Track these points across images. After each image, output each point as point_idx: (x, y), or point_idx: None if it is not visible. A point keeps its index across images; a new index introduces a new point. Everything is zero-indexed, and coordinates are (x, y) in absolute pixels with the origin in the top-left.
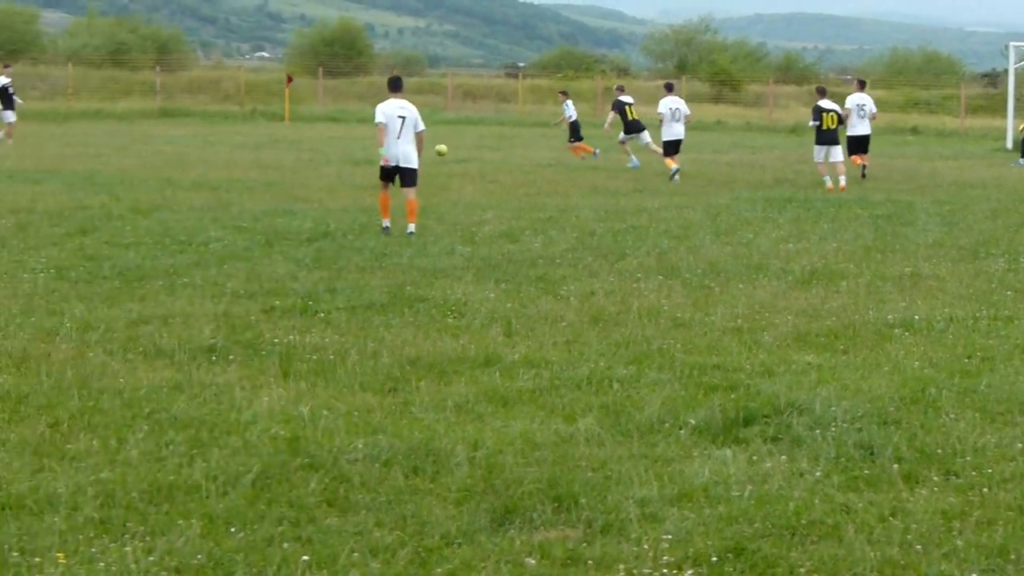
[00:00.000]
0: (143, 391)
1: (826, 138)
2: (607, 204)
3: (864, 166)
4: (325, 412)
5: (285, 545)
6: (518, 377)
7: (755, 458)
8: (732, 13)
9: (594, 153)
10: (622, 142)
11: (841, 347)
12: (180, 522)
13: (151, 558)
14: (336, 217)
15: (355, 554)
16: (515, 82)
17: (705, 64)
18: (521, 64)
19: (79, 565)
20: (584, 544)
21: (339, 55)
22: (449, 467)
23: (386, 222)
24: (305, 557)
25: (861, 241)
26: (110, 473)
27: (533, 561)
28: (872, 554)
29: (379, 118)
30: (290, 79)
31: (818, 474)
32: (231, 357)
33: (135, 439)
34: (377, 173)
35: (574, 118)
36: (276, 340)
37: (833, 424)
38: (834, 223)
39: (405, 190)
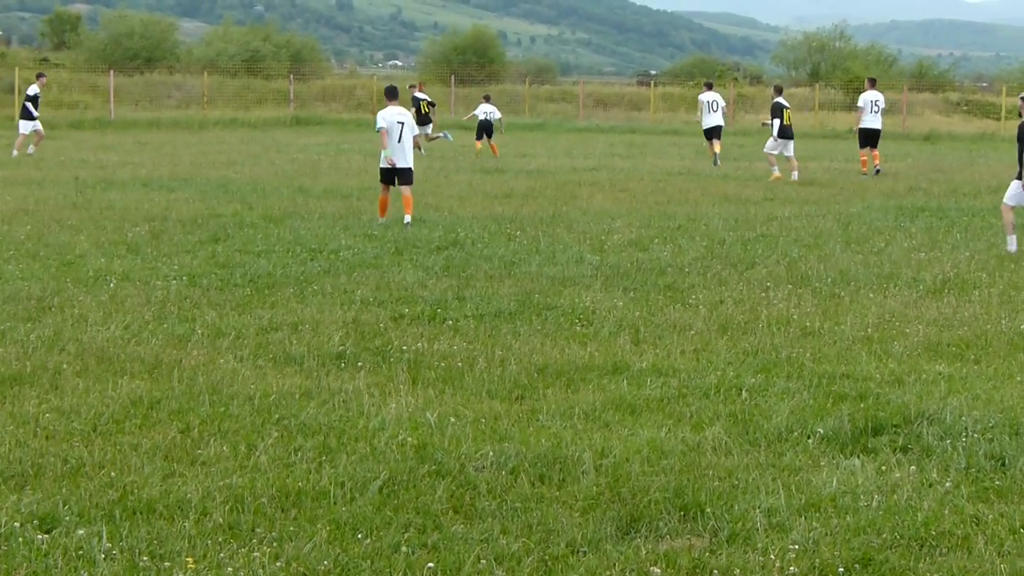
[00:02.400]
0: (273, 397)
1: (786, 133)
2: (737, 213)
3: (878, 167)
4: (452, 419)
5: (411, 552)
6: (646, 385)
7: (884, 468)
8: (867, 19)
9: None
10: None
11: (973, 357)
12: (308, 528)
13: (278, 563)
14: (466, 225)
15: (481, 562)
16: (647, 90)
17: (839, 71)
18: (653, 72)
19: (208, 570)
20: (710, 553)
21: (471, 63)
22: (576, 475)
23: (383, 220)
24: (431, 564)
25: (994, 251)
26: (239, 479)
27: (659, 570)
28: (1002, 566)
29: (381, 124)
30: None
31: (948, 485)
32: (360, 364)
33: (264, 445)
34: (378, 176)
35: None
36: (405, 347)
37: (964, 434)
38: (967, 232)
39: (402, 188)
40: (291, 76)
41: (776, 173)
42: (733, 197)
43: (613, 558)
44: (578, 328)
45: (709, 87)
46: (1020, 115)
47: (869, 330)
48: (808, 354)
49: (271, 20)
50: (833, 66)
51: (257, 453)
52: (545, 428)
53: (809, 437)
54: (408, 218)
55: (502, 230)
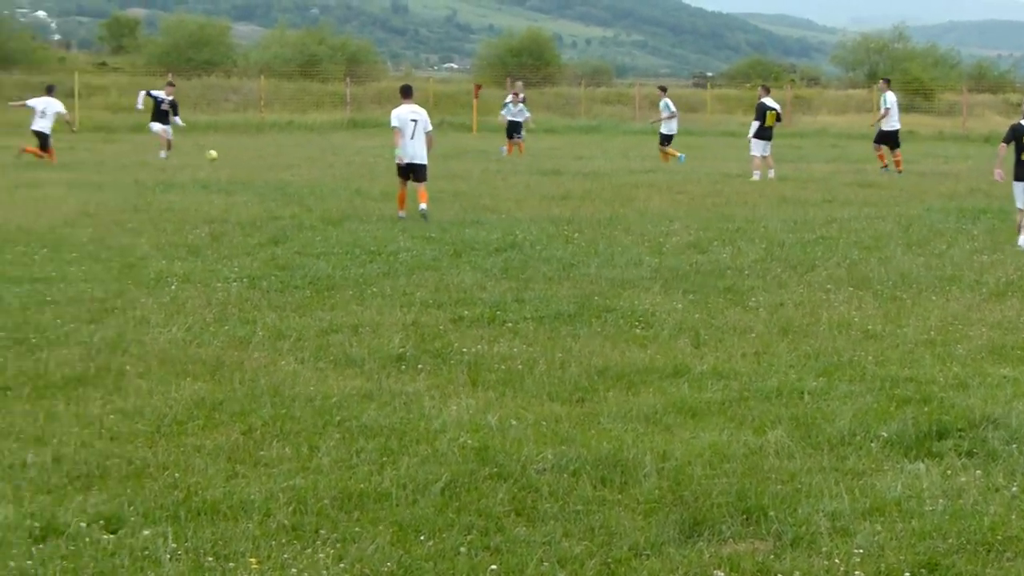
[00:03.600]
0: (334, 399)
1: (767, 134)
2: (796, 214)
3: (897, 167)
4: (513, 422)
5: (473, 554)
6: (706, 388)
7: (949, 472)
8: (925, 20)
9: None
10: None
11: None
12: (370, 529)
13: (342, 564)
14: (524, 227)
15: (543, 564)
16: (703, 92)
17: (897, 73)
18: (709, 74)
19: (272, 570)
20: (773, 557)
21: (527, 65)
22: (637, 478)
23: (402, 213)
24: (493, 567)
25: None
26: (302, 480)
27: (722, 574)
28: None
29: (394, 122)
30: (479, 89)
31: (1015, 489)
32: (420, 366)
33: (326, 447)
34: (395, 172)
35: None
36: (465, 349)
37: None
38: None
39: (417, 184)
40: (347, 79)
41: (758, 176)
42: (791, 199)
43: (676, 561)
44: (638, 331)
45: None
46: None
47: (932, 333)
48: (870, 357)
49: (326, 23)
50: (891, 67)
51: (319, 455)
52: (606, 431)
53: (872, 441)
54: (423, 206)
55: (560, 232)
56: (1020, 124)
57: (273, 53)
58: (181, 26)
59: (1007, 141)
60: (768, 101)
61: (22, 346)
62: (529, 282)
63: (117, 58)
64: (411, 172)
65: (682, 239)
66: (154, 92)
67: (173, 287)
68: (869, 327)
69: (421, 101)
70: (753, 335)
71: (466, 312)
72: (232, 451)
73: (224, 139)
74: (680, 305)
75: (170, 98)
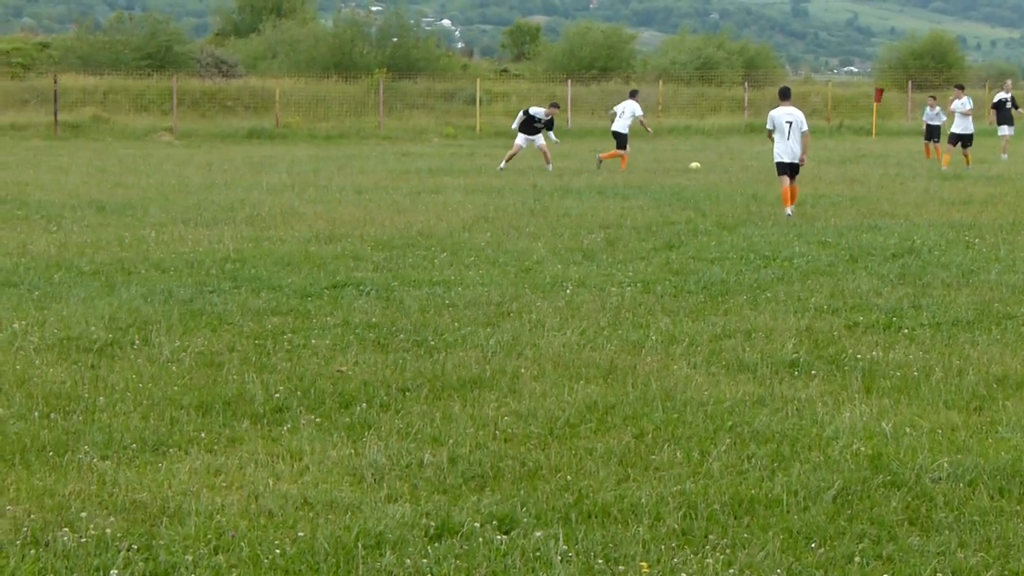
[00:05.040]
0: (726, 404)
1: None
2: None
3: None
4: (908, 429)
5: (865, 563)
6: None
7: None
8: None
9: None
10: None
11: None
12: (760, 536)
13: (731, 570)
14: (922, 232)
15: (937, 575)
16: None
17: None
18: None
19: (661, 575)
20: None
21: (929, 68)
22: None
23: (788, 210)
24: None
25: None
26: (692, 485)
27: None
28: None
29: (769, 124)
30: (880, 93)
31: None
32: (813, 372)
33: (717, 452)
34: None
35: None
36: (859, 356)
37: None
38: None
39: (792, 182)
40: (745, 83)
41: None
42: None
43: None
44: None
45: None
46: None
47: None
48: None
49: (726, 28)
50: None
51: (710, 460)
52: (1005, 440)
53: None
54: (789, 210)
55: (960, 237)
56: None
57: (671, 58)
58: (584, 32)
59: None
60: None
61: (421, 348)
62: (927, 288)
63: (518, 65)
64: (789, 171)
65: None
66: (532, 110)
67: (568, 291)
68: None
69: (820, 105)
70: None
71: (861, 318)
72: (623, 455)
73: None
74: None
75: (549, 118)
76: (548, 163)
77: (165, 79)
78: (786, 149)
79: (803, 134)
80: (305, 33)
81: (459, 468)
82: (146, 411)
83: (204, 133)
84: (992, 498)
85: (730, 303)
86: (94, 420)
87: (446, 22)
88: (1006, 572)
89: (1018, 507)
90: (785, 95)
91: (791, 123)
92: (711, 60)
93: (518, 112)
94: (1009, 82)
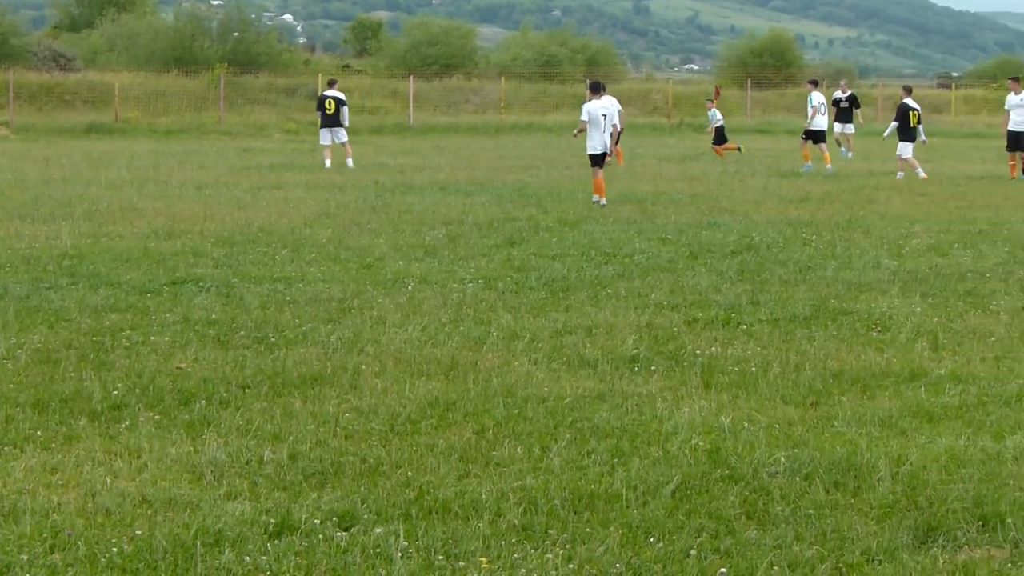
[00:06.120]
0: (566, 400)
1: (912, 136)
2: None
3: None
4: (746, 424)
5: (703, 557)
6: (944, 392)
7: None
8: None
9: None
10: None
11: None
12: (600, 531)
13: (571, 565)
14: (760, 230)
15: (774, 568)
16: (948, 92)
17: None
18: (955, 74)
19: (502, 570)
20: (1010, 566)
21: (768, 66)
22: (871, 482)
23: (602, 200)
24: (723, 569)
25: None
26: (533, 480)
27: None
28: None
29: (584, 116)
30: (718, 91)
31: None
32: (653, 368)
33: (557, 447)
34: None
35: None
36: (698, 352)
37: None
38: None
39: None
40: (587, 80)
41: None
42: None
43: (909, 567)
44: (874, 334)
45: (815, 84)
46: None
47: None
48: None
49: (568, 24)
50: None
51: (550, 455)
52: (840, 434)
53: None
54: (603, 200)
55: (797, 234)
56: None
57: (513, 55)
58: (425, 28)
59: None
60: (910, 102)
61: (261, 345)
62: (765, 284)
63: (361, 60)
64: (602, 162)
65: (923, 242)
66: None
67: (410, 287)
68: None
69: (661, 103)
70: (993, 339)
71: (700, 314)
72: (464, 451)
73: (463, 141)
74: (919, 308)
75: (341, 95)
76: (349, 158)
77: (1, 72)
78: (601, 141)
79: (613, 126)
80: (145, 27)
81: (299, 465)
82: None
83: (42, 127)
84: (827, 492)
85: (571, 299)
86: None
87: (288, 17)
88: (840, 564)
89: (853, 500)
90: (596, 89)
91: (606, 116)
92: (554, 57)
93: (344, 107)
94: (845, 81)
